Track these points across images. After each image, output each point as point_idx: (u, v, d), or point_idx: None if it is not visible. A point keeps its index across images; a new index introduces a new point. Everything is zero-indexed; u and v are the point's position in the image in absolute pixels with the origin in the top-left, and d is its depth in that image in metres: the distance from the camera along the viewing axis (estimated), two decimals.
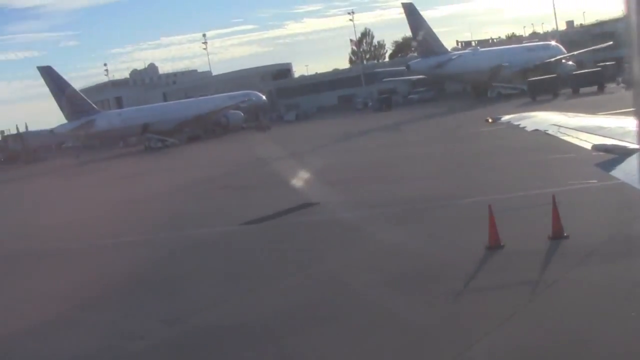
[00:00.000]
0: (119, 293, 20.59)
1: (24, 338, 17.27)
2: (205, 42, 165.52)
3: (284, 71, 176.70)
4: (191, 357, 14.32)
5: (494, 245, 18.12)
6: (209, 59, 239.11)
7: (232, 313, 16.86)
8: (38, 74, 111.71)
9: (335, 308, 15.83)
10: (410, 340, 13.23)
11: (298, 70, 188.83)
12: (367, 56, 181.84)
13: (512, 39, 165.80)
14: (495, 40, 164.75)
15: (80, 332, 17.26)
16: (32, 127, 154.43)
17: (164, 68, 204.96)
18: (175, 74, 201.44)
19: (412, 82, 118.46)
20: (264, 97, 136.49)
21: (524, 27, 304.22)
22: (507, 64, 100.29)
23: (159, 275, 22.32)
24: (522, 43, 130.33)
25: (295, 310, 16.11)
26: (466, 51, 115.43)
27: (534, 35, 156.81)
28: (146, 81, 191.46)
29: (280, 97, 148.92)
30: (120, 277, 22.39)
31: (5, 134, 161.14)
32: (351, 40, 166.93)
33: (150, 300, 19.27)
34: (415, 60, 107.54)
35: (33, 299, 21.42)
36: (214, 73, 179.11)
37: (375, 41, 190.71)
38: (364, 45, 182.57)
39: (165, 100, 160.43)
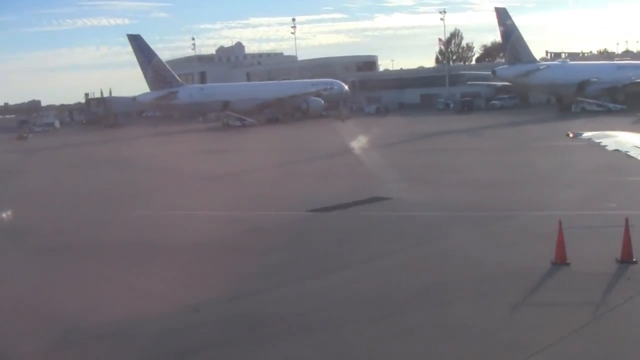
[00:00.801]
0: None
1: None
2: (294, 27, 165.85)
3: (369, 63, 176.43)
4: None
5: (560, 262, 17.89)
6: (295, 43, 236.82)
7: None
8: (127, 41, 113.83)
9: (388, 304, 15.82)
10: (466, 343, 13.18)
11: (383, 64, 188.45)
12: (454, 57, 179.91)
13: (604, 54, 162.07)
14: (586, 54, 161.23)
15: None
16: (116, 93, 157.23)
17: (250, 48, 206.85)
18: (260, 55, 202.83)
19: (496, 88, 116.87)
20: (346, 87, 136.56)
21: (617, 43, 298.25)
22: (595, 79, 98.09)
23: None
24: (613, 60, 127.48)
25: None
26: (555, 62, 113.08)
27: (627, 53, 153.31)
28: (232, 59, 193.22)
29: (362, 89, 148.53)
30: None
31: (90, 97, 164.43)
32: (439, 40, 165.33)
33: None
34: (502, 67, 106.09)
35: None
36: (299, 58, 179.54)
37: (463, 43, 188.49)
38: (452, 46, 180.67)
39: (248, 80, 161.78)
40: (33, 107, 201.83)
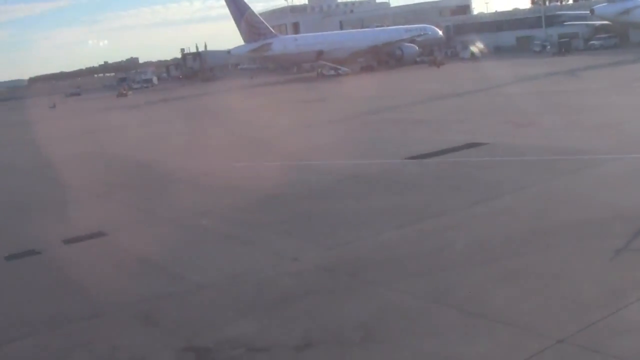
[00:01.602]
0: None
1: None
2: None
3: (462, 7, 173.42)
4: None
5: None
6: None
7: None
8: None
9: (489, 250, 15.77)
10: (565, 288, 13.08)
11: (477, 8, 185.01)
12: None
13: None
14: None
15: None
16: (211, 47, 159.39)
17: None
18: (353, 3, 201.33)
19: (595, 27, 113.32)
20: (440, 33, 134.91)
21: None
22: None
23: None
24: None
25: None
26: None
27: None
28: (324, 8, 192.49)
29: (457, 34, 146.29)
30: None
31: (185, 52, 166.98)
32: None
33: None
34: (601, 5, 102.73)
35: None
36: (392, 4, 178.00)
37: None
38: None
39: (341, 28, 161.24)
40: (131, 65, 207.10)
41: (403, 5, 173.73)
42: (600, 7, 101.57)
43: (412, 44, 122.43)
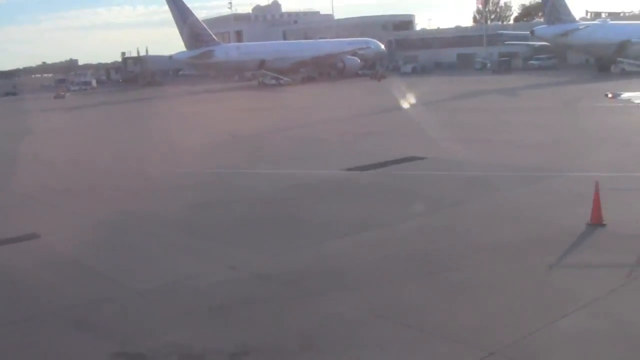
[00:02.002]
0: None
1: None
2: None
3: (405, 23, 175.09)
4: None
5: (596, 222, 17.89)
6: (332, 2, 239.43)
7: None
8: (163, 0, 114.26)
9: (424, 264, 15.95)
10: (504, 302, 13.31)
11: (420, 24, 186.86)
12: (492, 16, 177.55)
13: None
14: (627, 13, 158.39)
15: None
16: (152, 52, 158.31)
17: (286, 6, 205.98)
18: (297, 14, 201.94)
19: (534, 48, 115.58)
20: (382, 47, 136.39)
21: None
22: (636, 40, 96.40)
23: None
24: None
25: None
26: (595, 22, 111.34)
27: None
28: (268, 18, 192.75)
29: (399, 49, 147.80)
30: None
31: (126, 56, 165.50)
32: None
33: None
34: (541, 26, 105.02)
35: None
36: (336, 17, 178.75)
37: (502, 2, 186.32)
38: (490, 5, 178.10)
39: (284, 38, 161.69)
40: (71, 66, 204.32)
41: (347, 18, 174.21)
42: (540, 29, 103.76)
43: (354, 57, 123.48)
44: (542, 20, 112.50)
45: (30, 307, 14.66)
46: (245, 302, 14.20)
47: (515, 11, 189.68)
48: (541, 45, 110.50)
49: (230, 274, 16.09)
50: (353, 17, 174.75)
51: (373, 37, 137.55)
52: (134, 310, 14.24)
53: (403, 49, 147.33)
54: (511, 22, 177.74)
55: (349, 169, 28.87)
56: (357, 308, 13.32)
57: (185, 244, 19.10)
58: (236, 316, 13.43)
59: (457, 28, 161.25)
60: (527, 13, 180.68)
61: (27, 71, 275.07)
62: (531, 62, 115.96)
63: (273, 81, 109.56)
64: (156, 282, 15.86)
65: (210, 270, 16.46)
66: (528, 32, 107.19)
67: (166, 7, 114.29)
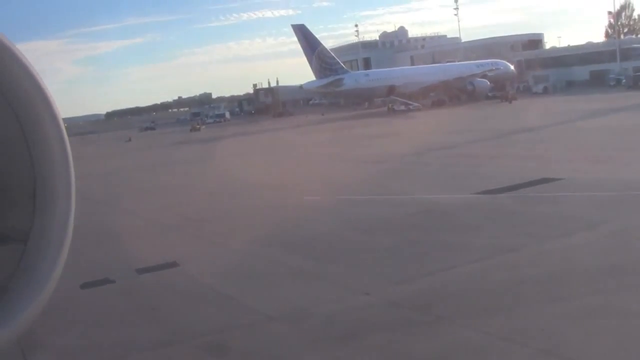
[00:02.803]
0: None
1: None
2: (456, 8, 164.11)
3: (534, 42, 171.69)
4: None
5: None
6: (459, 25, 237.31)
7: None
8: (291, 31, 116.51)
9: (562, 287, 15.44)
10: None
11: (549, 42, 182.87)
12: (625, 30, 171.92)
13: None
14: None
15: None
16: (283, 82, 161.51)
17: (413, 32, 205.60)
18: (424, 38, 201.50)
19: None
20: (512, 67, 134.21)
21: None
22: None
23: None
24: None
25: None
26: None
27: None
28: (395, 44, 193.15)
29: (528, 69, 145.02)
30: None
31: (258, 87, 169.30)
32: (609, 13, 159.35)
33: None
34: None
35: None
36: (463, 39, 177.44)
37: (635, 15, 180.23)
38: (623, 19, 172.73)
39: (412, 64, 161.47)
40: (205, 99, 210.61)
41: (474, 40, 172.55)
42: None
43: (483, 79, 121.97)
44: None
45: (168, 332, 15.08)
46: (376, 328, 14.11)
47: None
48: None
49: (362, 300, 16.05)
50: (480, 39, 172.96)
51: (502, 58, 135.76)
52: (265, 336, 14.39)
53: (533, 69, 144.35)
54: None
55: (482, 193, 28.31)
56: (487, 333, 13.01)
57: (315, 270, 19.18)
58: (367, 342, 13.32)
59: (589, 44, 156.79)
60: None
61: (165, 106, 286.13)
62: None
63: (402, 107, 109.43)
64: (287, 307, 16.01)
65: (341, 296, 16.47)
66: None
67: (295, 38, 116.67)
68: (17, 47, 3.37)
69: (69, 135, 3.64)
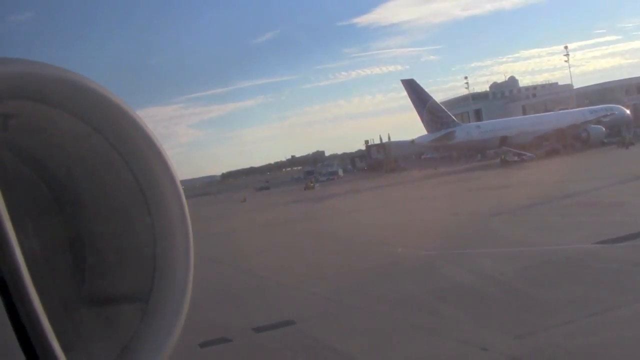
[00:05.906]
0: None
1: None
2: (566, 55, 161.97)
3: None
4: None
5: None
6: (570, 71, 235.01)
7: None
8: (401, 86, 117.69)
9: None
10: None
11: None
12: None
13: None
14: None
15: None
16: (394, 138, 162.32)
17: (523, 81, 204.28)
18: (535, 87, 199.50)
19: None
20: (627, 112, 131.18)
21: None
22: None
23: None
24: None
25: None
26: None
27: None
28: (506, 94, 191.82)
29: None
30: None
31: (369, 143, 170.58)
32: None
33: None
34: None
35: None
36: (575, 86, 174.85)
37: None
38: None
39: (524, 113, 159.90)
40: (317, 157, 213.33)
41: (586, 86, 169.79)
42: None
43: (598, 125, 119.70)
44: None
45: None
46: None
47: None
48: None
49: (482, 356, 16.37)
50: (593, 85, 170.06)
51: (616, 103, 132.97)
52: None
53: None
54: None
55: (604, 241, 27.77)
56: None
57: (431, 324, 19.56)
58: None
59: None
60: None
61: (278, 165, 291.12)
62: None
63: (515, 158, 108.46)
64: None
65: (462, 352, 16.86)
66: None
67: (404, 93, 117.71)
68: (136, 112, 3.43)
69: (186, 197, 3.59)
